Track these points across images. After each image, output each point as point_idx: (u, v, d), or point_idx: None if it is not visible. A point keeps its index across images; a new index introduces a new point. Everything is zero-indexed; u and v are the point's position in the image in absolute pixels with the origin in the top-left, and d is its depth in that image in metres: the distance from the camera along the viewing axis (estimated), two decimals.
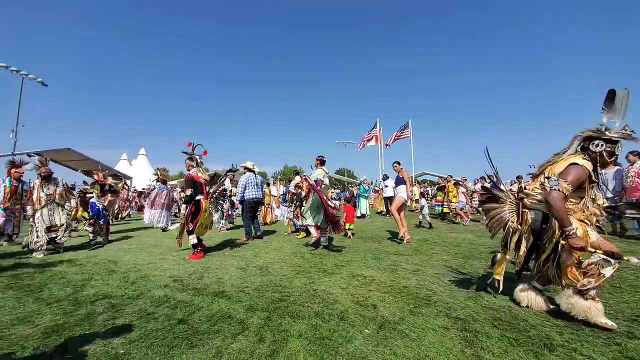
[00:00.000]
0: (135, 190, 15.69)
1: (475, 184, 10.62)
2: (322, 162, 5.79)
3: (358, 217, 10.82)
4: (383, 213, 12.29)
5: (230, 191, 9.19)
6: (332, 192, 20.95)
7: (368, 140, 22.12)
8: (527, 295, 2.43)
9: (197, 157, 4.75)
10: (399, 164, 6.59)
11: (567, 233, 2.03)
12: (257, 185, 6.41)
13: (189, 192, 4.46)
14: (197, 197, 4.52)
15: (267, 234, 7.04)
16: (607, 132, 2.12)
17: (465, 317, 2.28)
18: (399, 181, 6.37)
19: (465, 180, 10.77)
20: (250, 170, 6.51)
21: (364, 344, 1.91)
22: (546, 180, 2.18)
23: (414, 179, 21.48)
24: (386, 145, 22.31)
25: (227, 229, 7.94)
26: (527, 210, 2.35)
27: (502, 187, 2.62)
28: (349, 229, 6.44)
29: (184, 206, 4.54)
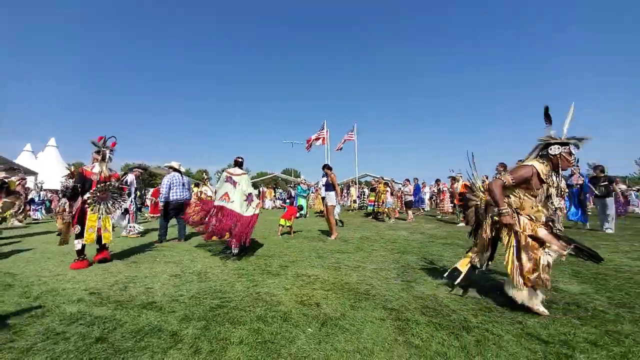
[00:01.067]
0: (41, 188, 13.13)
1: (404, 185, 11.63)
2: (236, 163, 4.90)
3: (297, 217, 10.79)
4: (322, 213, 12.61)
5: (139, 190, 8.36)
6: (273, 193, 20.76)
7: (316, 140, 22.51)
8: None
9: (107, 151, 4.17)
10: (329, 168, 6.74)
11: (500, 211, 2.43)
12: (182, 185, 5.98)
13: (71, 186, 3.99)
14: (86, 196, 3.95)
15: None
16: (559, 138, 2.47)
17: (399, 308, 2.47)
18: (329, 187, 6.46)
19: (393, 181, 11.67)
20: (176, 170, 6.07)
21: (307, 342, 1.92)
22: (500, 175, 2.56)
23: (357, 180, 22.60)
24: (337, 149, 23.19)
25: (140, 233, 6.84)
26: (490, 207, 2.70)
27: (474, 191, 3.08)
28: (282, 225, 6.47)
29: (67, 203, 4.11)
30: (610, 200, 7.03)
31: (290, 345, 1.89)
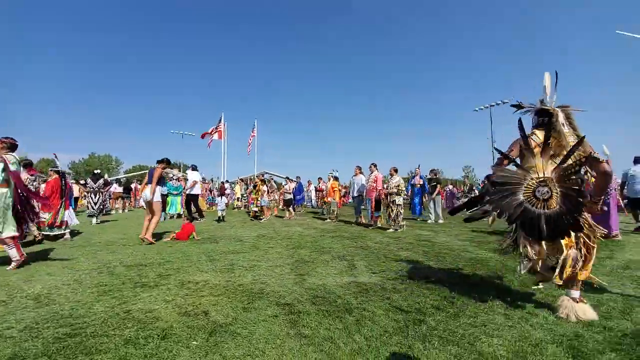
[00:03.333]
0: None
1: (286, 183, 12.07)
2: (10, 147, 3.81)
3: (170, 218, 9.66)
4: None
5: None
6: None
7: (210, 134, 20.84)
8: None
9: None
10: (165, 162, 6.00)
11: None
12: None
13: None
14: None
15: (49, 245, 5.04)
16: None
17: (292, 302, 2.54)
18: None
19: (272, 179, 12.05)
20: None
21: (191, 357, 1.72)
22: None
23: (254, 178, 22.19)
24: (248, 151, 22.25)
25: None
26: None
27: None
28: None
29: None
30: (438, 198, 8.96)
31: None
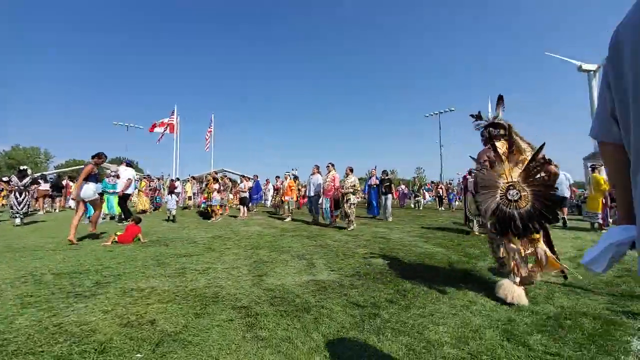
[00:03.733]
0: None
1: (241, 182, 11.63)
2: None
3: (103, 219, 8.59)
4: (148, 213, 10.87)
5: None
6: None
7: (162, 126, 19.32)
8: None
9: None
10: (100, 157, 5.63)
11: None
12: None
13: None
14: None
15: None
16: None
17: (249, 304, 2.47)
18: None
19: (225, 176, 11.52)
20: None
21: None
22: None
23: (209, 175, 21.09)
24: (206, 148, 20.94)
25: None
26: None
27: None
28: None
29: None
30: (389, 197, 9.27)
31: None
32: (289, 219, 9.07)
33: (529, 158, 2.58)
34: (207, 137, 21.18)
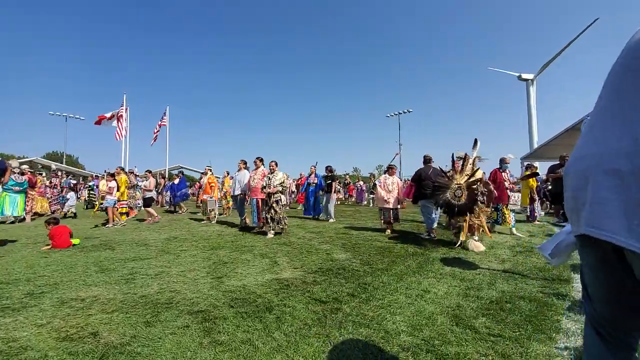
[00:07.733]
0: None
1: (147, 178, 9.98)
2: None
3: (12, 222, 7.61)
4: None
5: None
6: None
7: (110, 119, 17.41)
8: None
9: None
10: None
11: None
12: None
13: None
14: None
15: None
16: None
17: (207, 308, 2.35)
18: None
19: (150, 173, 9.63)
20: None
21: None
22: None
23: (167, 172, 19.63)
24: (153, 140, 19.10)
25: None
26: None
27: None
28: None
29: None
30: (331, 196, 8.19)
31: None
32: (210, 221, 7.92)
33: (469, 173, 4.61)
34: (155, 131, 19.50)
